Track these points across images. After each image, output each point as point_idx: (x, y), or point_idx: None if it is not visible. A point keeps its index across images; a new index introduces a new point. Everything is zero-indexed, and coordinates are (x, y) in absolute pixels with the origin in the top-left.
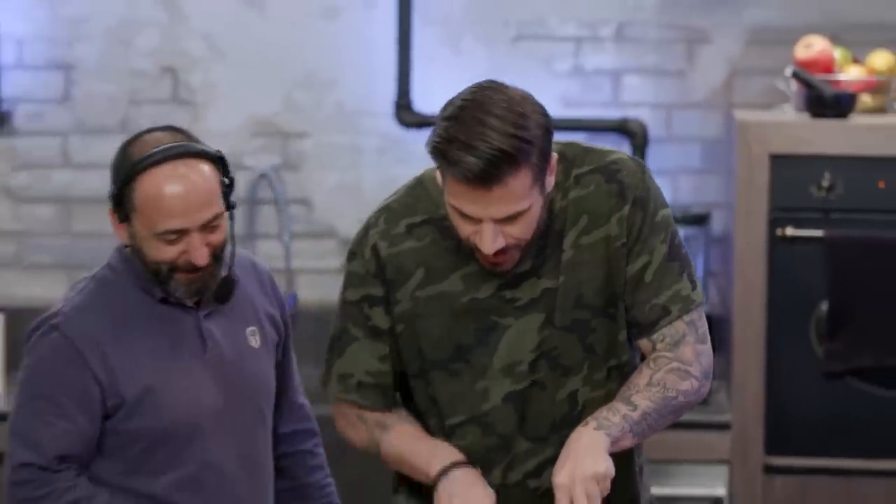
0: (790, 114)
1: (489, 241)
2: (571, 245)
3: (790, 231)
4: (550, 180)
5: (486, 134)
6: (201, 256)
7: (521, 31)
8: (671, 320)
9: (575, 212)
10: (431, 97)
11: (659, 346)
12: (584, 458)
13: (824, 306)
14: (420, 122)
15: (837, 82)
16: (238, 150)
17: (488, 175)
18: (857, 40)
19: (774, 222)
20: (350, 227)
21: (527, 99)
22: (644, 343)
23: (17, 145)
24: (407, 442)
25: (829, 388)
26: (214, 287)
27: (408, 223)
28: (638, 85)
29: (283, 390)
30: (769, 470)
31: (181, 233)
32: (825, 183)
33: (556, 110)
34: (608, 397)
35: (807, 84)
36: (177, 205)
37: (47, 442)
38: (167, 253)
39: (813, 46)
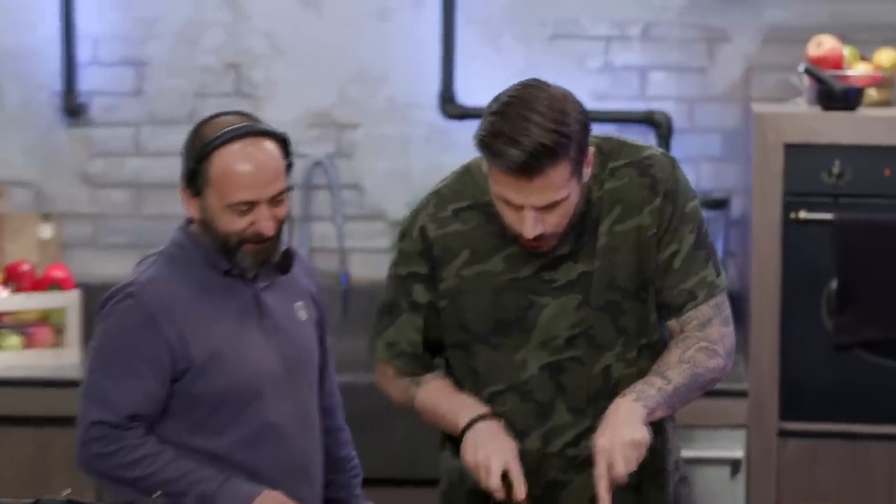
0: (803, 106)
1: (530, 226)
2: (606, 232)
3: (803, 214)
4: (587, 172)
5: (528, 129)
6: (268, 227)
7: (557, 30)
8: (697, 304)
9: (610, 202)
10: (473, 91)
11: (687, 327)
12: (623, 427)
13: (834, 284)
14: (462, 113)
15: (846, 78)
16: (295, 140)
17: (530, 167)
18: (864, 39)
19: (788, 206)
20: (398, 210)
21: (567, 97)
22: (673, 324)
23: (94, 135)
24: (439, 396)
25: (838, 359)
26: (276, 258)
27: (455, 208)
28: (663, 80)
29: (323, 364)
30: (783, 434)
31: (251, 204)
32: (835, 170)
33: (587, 104)
34: (640, 374)
35: (818, 79)
36: (248, 179)
37: (119, 401)
38: (237, 224)
39: (823, 45)
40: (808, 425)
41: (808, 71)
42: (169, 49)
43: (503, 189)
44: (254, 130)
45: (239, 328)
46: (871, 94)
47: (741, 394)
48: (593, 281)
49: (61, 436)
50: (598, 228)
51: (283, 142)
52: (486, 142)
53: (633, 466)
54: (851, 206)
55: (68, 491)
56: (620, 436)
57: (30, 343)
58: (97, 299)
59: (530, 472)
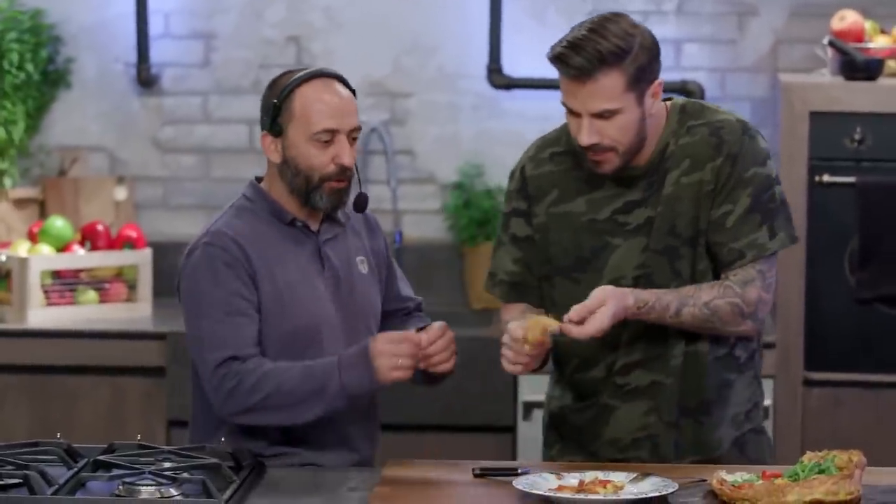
0: (827, 77)
1: (585, 132)
2: (673, 182)
3: (827, 177)
4: (654, 104)
5: (590, 38)
6: (349, 156)
7: (597, 5)
8: (744, 263)
9: (681, 155)
10: (519, 62)
11: (731, 279)
12: (598, 319)
13: (855, 242)
14: (509, 83)
15: (867, 49)
16: None
17: (583, 70)
18: (884, 14)
19: (813, 170)
20: (448, 174)
21: (638, 27)
22: (723, 274)
23: (165, 104)
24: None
25: (859, 313)
26: (348, 200)
27: (552, 151)
28: (696, 52)
29: (389, 296)
30: (808, 383)
31: (333, 133)
32: (857, 136)
33: None
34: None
35: (841, 51)
36: (329, 108)
37: (230, 338)
38: (320, 158)
39: (846, 19)
40: (832, 375)
41: (831, 43)
42: (234, 23)
43: (566, 96)
44: (329, 72)
45: (301, 276)
46: (891, 65)
47: (769, 345)
48: (655, 224)
49: (135, 384)
50: (666, 178)
51: (353, 91)
52: (555, 49)
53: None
54: (872, 170)
55: (139, 437)
56: (590, 324)
57: (105, 298)
58: (168, 258)
59: (589, 396)
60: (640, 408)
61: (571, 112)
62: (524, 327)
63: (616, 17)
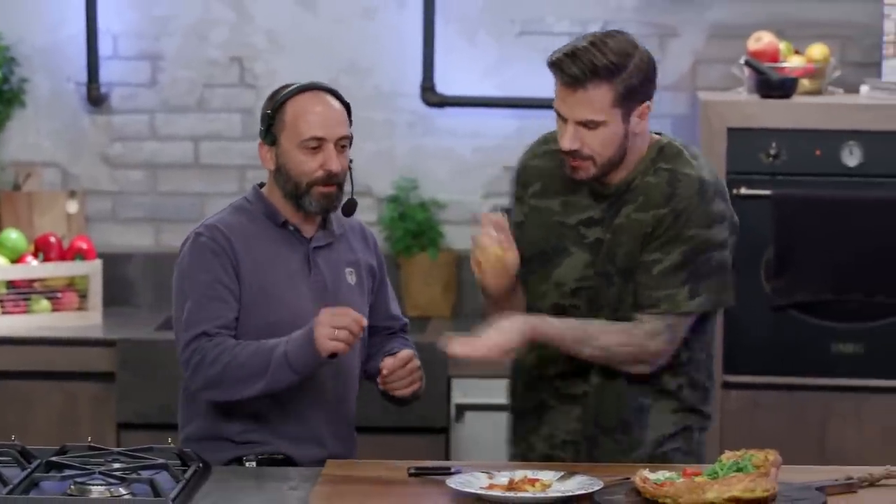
0: (744, 95)
1: (568, 138)
2: (625, 215)
3: (744, 190)
4: (639, 123)
5: (587, 48)
6: (336, 163)
7: (525, 27)
8: (656, 313)
9: (640, 192)
10: (451, 81)
11: (644, 325)
12: (496, 346)
13: (771, 252)
14: (442, 101)
15: (782, 69)
16: None
17: (575, 79)
18: (798, 35)
19: (731, 183)
20: (384, 187)
21: (637, 47)
22: (635, 318)
23: (114, 121)
24: None
25: (775, 319)
26: (339, 206)
27: (546, 148)
28: None
29: (378, 311)
30: (727, 385)
31: (321, 141)
32: (772, 151)
33: (552, 93)
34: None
35: (757, 71)
36: (317, 118)
37: (203, 319)
38: (309, 164)
39: (762, 40)
40: (749, 378)
41: (748, 63)
42: (180, 44)
43: (557, 101)
44: (321, 86)
45: (286, 276)
46: (805, 83)
47: None
48: (604, 250)
49: (86, 389)
50: (623, 208)
51: (346, 104)
52: (554, 56)
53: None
54: (787, 183)
55: (90, 439)
56: (489, 345)
57: (57, 307)
58: (117, 269)
59: (525, 388)
60: (573, 412)
61: (560, 116)
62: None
63: (619, 34)
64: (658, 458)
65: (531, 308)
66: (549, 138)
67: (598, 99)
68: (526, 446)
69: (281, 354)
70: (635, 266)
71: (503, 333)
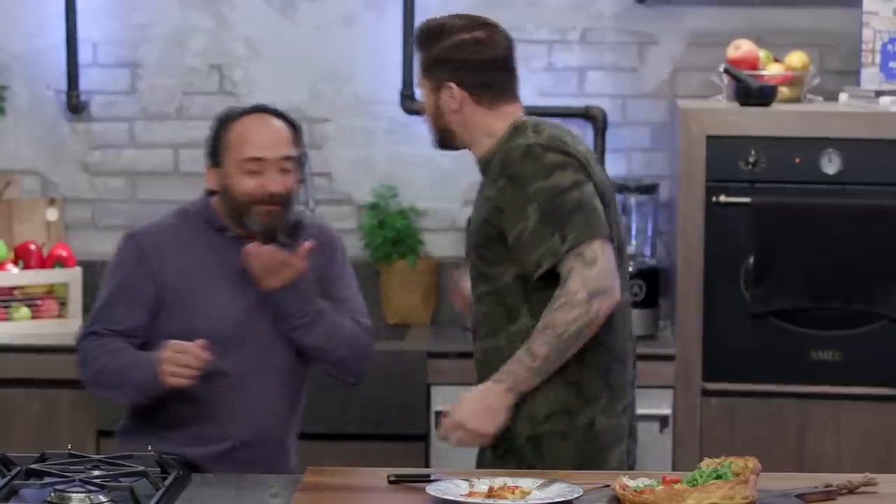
0: (723, 102)
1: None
2: (478, 193)
3: (723, 198)
4: (445, 101)
5: (432, 19)
6: (276, 184)
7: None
8: (542, 272)
9: (489, 171)
10: None
11: (557, 292)
12: (479, 417)
13: (751, 259)
14: (421, 109)
15: (761, 77)
16: None
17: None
18: (777, 43)
19: (710, 191)
20: (364, 195)
21: (475, 33)
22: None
23: (93, 129)
24: None
25: (754, 326)
26: (283, 226)
27: None
28: (599, 79)
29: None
30: (706, 393)
31: (261, 162)
32: (751, 159)
33: (532, 100)
34: (483, 313)
35: (736, 78)
36: (257, 138)
37: (104, 319)
38: (249, 184)
39: (741, 48)
40: (728, 385)
41: (727, 71)
42: (159, 52)
43: None
44: (265, 108)
45: (214, 283)
46: (784, 91)
47: (669, 357)
48: (469, 227)
49: (66, 396)
50: (481, 187)
51: (293, 125)
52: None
53: (466, 445)
54: (766, 191)
55: (70, 446)
56: (470, 423)
57: (37, 314)
58: (97, 276)
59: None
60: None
61: None
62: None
63: (463, 17)
64: (533, 440)
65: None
66: None
67: (417, 61)
68: None
69: (133, 378)
70: (489, 240)
71: (486, 419)
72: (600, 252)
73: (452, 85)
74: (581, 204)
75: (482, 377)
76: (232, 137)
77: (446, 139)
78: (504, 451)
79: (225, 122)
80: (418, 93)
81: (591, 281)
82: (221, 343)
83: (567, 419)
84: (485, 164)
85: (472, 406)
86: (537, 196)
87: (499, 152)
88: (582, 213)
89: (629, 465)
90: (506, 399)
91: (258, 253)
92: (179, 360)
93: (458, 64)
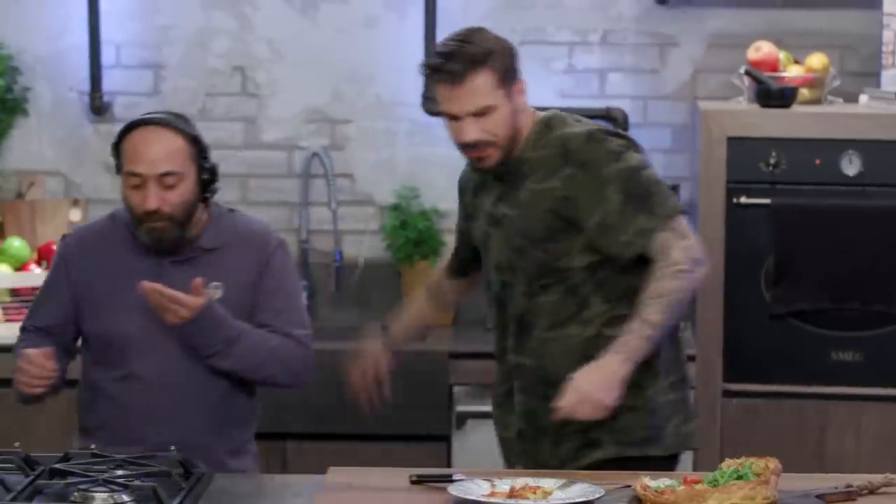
0: (743, 104)
1: (467, 130)
2: (528, 190)
3: (743, 199)
4: (519, 101)
5: (456, 45)
6: (152, 201)
7: (525, 37)
8: (638, 250)
9: (536, 165)
10: None
11: (654, 261)
12: (601, 387)
13: (770, 260)
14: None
15: (781, 78)
16: (294, 134)
17: (455, 73)
18: (797, 44)
19: (731, 192)
20: (385, 196)
21: (497, 36)
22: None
23: (116, 130)
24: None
25: (775, 327)
26: (171, 241)
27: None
28: (620, 81)
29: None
30: (727, 393)
31: (141, 178)
32: (772, 160)
33: (552, 101)
34: (543, 307)
35: (757, 80)
36: (140, 152)
37: (31, 315)
38: (133, 198)
39: (762, 49)
40: (749, 386)
41: (747, 72)
42: (182, 54)
43: (443, 103)
44: (156, 120)
45: (129, 284)
46: (804, 92)
47: (690, 358)
48: (512, 225)
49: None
50: (522, 184)
51: (194, 140)
52: (428, 62)
53: (590, 418)
54: (786, 192)
55: (93, 446)
56: (595, 394)
57: None
58: None
59: (502, 374)
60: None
61: (451, 117)
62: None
63: (476, 28)
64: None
65: (489, 294)
66: None
67: (482, 84)
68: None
69: (15, 381)
70: (555, 232)
71: (609, 389)
72: (686, 225)
73: (521, 79)
74: (657, 181)
75: (545, 366)
76: (123, 150)
77: (511, 149)
78: (573, 429)
79: (122, 134)
80: (471, 128)
81: (691, 251)
82: (135, 346)
83: (638, 392)
84: (516, 161)
85: (597, 377)
86: (614, 179)
87: (539, 148)
88: (661, 189)
89: (684, 436)
90: (624, 369)
91: (148, 291)
92: (26, 370)
93: (515, 61)
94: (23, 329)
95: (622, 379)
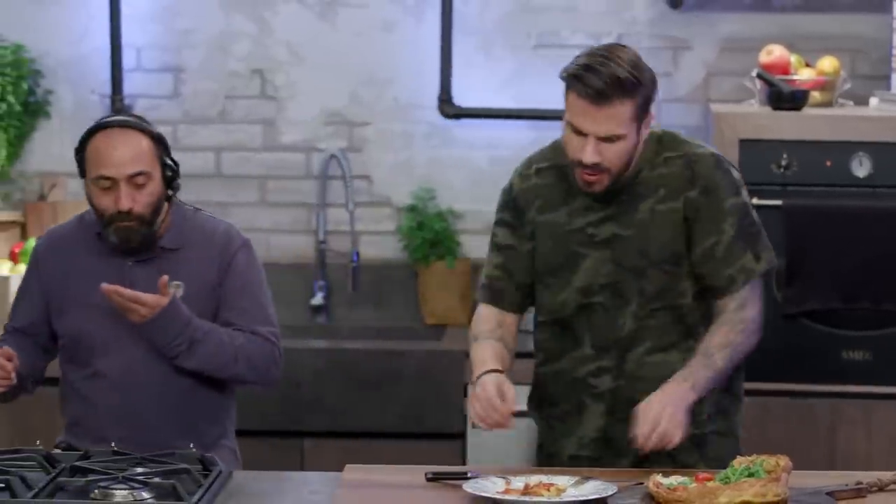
0: (755, 107)
1: (590, 152)
2: (648, 209)
3: (755, 201)
4: (645, 133)
5: (608, 64)
6: (125, 201)
7: (540, 40)
8: (738, 288)
9: (656, 184)
10: (468, 93)
11: (728, 308)
12: (669, 418)
13: (782, 261)
14: (458, 113)
15: (793, 81)
16: (313, 136)
17: (602, 94)
18: (808, 48)
19: None
20: (403, 197)
21: (641, 59)
22: (720, 302)
23: None
24: (477, 351)
25: (786, 327)
26: (139, 240)
27: (537, 167)
28: None
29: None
30: None
31: (111, 180)
32: (783, 162)
33: None
34: (650, 330)
35: (768, 83)
36: (108, 155)
37: (12, 314)
38: (103, 200)
39: (773, 53)
40: (761, 385)
41: (759, 76)
42: (202, 57)
43: (575, 116)
44: (119, 122)
45: (94, 287)
46: (815, 95)
47: None
48: (627, 245)
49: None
50: (640, 203)
51: (158, 138)
52: (572, 71)
53: (657, 448)
54: (798, 194)
55: (113, 444)
56: (666, 425)
57: None
58: None
59: (563, 390)
60: (599, 409)
61: (576, 131)
62: (496, 383)
63: (625, 47)
64: (697, 439)
65: (550, 315)
66: (533, 159)
67: (621, 114)
68: (556, 448)
69: None
70: (678, 253)
71: (677, 422)
72: (761, 289)
73: (652, 113)
74: (760, 226)
75: (639, 389)
76: (88, 153)
77: (622, 174)
78: (658, 454)
79: (85, 137)
80: (594, 151)
81: (761, 317)
82: (100, 345)
83: (724, 418)
84: (628, 182)
85: (669, 409)
86: (733, 212)
87: (656, 167)
88: (763, 234)
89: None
90: (691, 397)
91: (108, 293)
92: None
93: (655, 93)
94: (4, 329)
95: (689, 408)
